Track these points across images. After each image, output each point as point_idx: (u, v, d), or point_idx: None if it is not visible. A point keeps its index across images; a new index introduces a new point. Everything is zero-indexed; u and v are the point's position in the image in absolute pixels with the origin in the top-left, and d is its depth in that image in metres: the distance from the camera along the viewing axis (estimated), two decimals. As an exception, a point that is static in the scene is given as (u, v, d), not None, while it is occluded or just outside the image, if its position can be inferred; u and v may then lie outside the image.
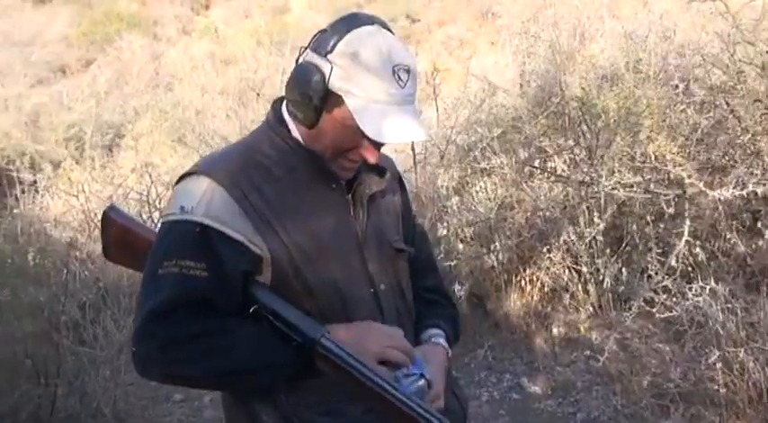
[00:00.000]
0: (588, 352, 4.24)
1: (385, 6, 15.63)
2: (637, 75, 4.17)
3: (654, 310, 3.69)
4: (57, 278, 4.14)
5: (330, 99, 1.32)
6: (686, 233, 3.33)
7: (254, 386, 1.39)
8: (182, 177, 1.39)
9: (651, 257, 3.96)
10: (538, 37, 5.49)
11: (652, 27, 4.74)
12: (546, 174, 4.19)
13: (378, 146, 1.38)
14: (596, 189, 3.62)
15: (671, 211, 3.46)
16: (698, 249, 3.55)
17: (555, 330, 4.51)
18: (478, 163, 4.71)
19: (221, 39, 15.21)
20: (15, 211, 5.51)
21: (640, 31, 4.64)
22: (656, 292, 3.84)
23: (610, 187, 3.53)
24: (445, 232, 4.66)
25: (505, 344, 4.50)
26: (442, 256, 4.56)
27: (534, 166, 4.27)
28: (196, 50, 15.16)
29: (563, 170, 4.30)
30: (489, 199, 4.64)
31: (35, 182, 7.07)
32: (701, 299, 3.25)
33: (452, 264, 4.56)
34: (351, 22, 1.34)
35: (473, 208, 4.64)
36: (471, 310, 4.67)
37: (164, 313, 1.29)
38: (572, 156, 4.27)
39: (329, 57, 1.31)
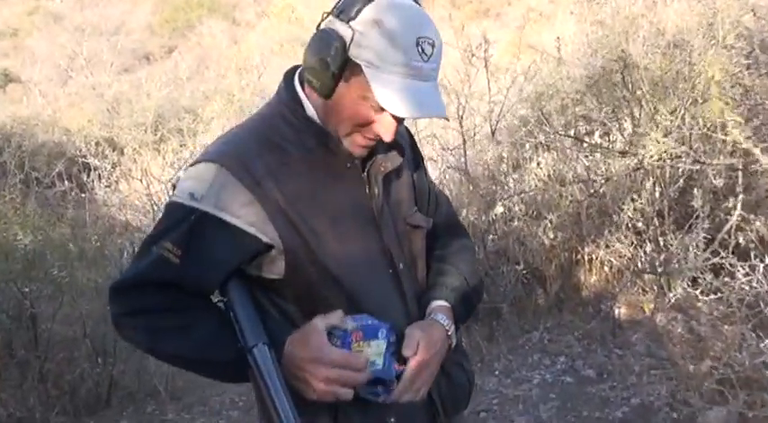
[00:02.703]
0: (650, 334, 4.09)
1: (462, -21, 15.42)
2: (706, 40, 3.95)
3: (720, 289, 3.51)
4: (115, 260, 4.31)
5: (349, 68, 1.28)
6: (739, 207, 3.13)
7: (200, 374, 1.41)
8: (193, 163, 1.39)
9: (727, 234, 3.78)
10: (603, 2, 5.28)
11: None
12: (583, 144, 4.02)
13: (396, 121, 1.34)
14: (639, 159, 3.44)
15: (720, 182, 3.26)
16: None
17: (617, 311, 4.37)
18: (535, 137, 4.58)
19: (297, 19, 15.43)
20: (83, 194, 5.78)
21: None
22: (720, 269, 3.65)
23: (655, 158, 3.35)
24: (501, 210, 4.57)
25: (563, 325, 4.39)
26: (495, 236, 4.48)
27: (575, 137, 4.11)
28: (275, 33, 15.42)
29: (607, 142, 4.13)
30: (546, 175, 4.50)
31: (113, 166, 7.39)
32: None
33: (508, 243, 4.48)
34: None
35: (529, 184, 4.51)
36: (527, 291, 4.58)
37: (133, 285, 1.36)
38: (618, 127, 4.10)
39: (351, 23, 1.26)
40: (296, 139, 1.37)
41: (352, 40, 1.26)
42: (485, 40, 4.30)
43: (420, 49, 1.26)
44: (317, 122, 1.38)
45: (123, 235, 4.90)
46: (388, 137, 1.34)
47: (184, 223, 1.31)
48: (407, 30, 1.26)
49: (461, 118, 4.32)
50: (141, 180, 5.59)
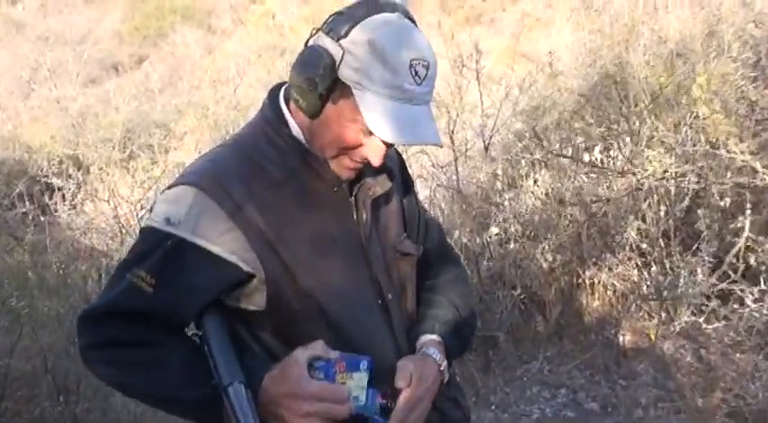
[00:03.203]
0: (657, 363, 4.09)
1: (453, -18, 15.54)
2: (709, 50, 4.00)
3: (729, 316, 3.54)
4: (79, 288, 4.27)
5: (337, 88, 1.29)
6: (747, 227, 3.15)
7: (172, 413, 1.40)
8: (170, 186, 1.39)
9: (735, 256, 3.81)
10: (602, 10, 5.34)
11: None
12: (579, 164, 4.05)
13: (385, 145, 1.34)
14: (638, 179, 3.47)
15: (727, 201, 3.29)
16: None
17: (621, 339, 4.37)
18: (531, 153, 4.60)
19: (276, 26, 15.47)
20: (45, 217, 5.73)
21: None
22: (729, 294, 3.67)
23: (655, 177, 3.37)
24: (496, 231, 4.58)
25: (564, 355, 4.38)
26: (490, 260, 4.48)
27: (571, 157, 4.14)
28: (253, 42, 15.45)
29: (608, 158, 4.16)
30: (543, 194, 4.52)
31: (77, 187, 7.35)
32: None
33: (504, 266, 4.48)
34: (371, 6, 1.31)
35: (525, 204, 4.52)
36: (525, 317, 4.57)
37: (103, 315, 1.36)
38: (618, 143, 4.13)
39: (342, 42, 1.27)
40: (280, 160, 1.38)
41: (341, 59, 1.27)
42: (476, 50, 4.33)
43: (413, 72, 1.27)
44: (303, 143, 1.39)
45: (88, 261, 4.85)
46: (376, 161, 1.35)
47: (159, 250, 1.31)
48: (401, 51, 1.27)
49: (452, 133, 4.34)
50: (108, 201, 5.56)
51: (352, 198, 1.44)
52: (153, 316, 1.32)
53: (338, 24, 1.29)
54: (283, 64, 11.78)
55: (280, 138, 1.39)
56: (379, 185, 1.47)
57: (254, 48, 13.89)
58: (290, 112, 1.40)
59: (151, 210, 1.40)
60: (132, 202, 5.83)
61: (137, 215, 5.55)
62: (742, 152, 3.04)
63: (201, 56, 15.20)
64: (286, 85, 1.44)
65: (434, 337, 1.51)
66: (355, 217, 1.44)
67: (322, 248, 1.37)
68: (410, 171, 1.72)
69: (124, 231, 5.32)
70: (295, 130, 1.39)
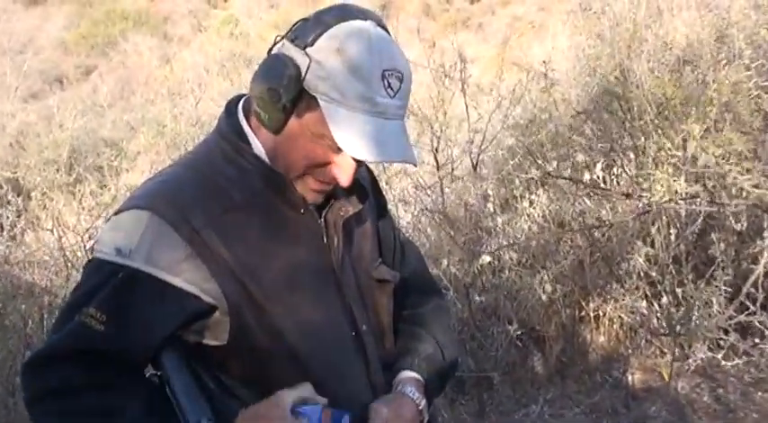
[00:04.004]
0: (670, 405, 4.10)
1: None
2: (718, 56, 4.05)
3: (751, 351, 3.56)
4: (18, 330, 4.21)
5: (303, 100, 1.30)
6: (766, 253, 3.18)
7: None
8: (119, 211, 1.39)
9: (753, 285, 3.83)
10: (601, 13, 5.40)
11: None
12: (579, 184, 4.08)
13: (354, 164, 1.36)
14: (646, 201, 3.50)
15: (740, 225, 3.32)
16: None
17: (630, 378, 4.38)
18: (526, 171, 4.62)
19: (241, 34, 15.55)
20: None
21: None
22: (748, 327, 3.69)
23: (664, 199, 3.41)
24: (488, 259, 4.58)
25: (566, 397, 4.39)
26: (483, 290, 4.48)
27: (570, 178, 4.17)
28: (215, 50, 15.50)
29: (611, 176, 4.19)
30: (541, 216, 4.54)
31: (17, 214, 7.28)
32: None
33: (497, 298, 4.48)
34: (339, 14, 1.32)
35: (520, 228, 4.54)
36: (523, 356, 4.57)
37: (50, 360, 1.34)
38: (621, 161, 4.17)
39: (308, 50, 1.29)
40: (241, 181, 1.38)
41: (308, 68, 1.28)
42: (460, 59, 4.36)
43: (386, 84, 1.29)
44: (266, 161, 1.40)
45: (29, 299, 4.78)
46: (345, 181, 1.37)
47: (109, 284, 1.31)
48: (372, 60, 1.28)
49: (436, 150, 4.36)
50: (52, 231, 5.49)
51: (322, 220, 1.45)
52: (106, 357, 1.32)
53: (304, 32, 1.31)
54: (250, 75, 11.81)
55: (240, 156, 1.40)
56: (351, 205, 1.49)
57: (217, 57, 13.91)
58: (250, 127, 1.42)
59: (98, 240, 1.39)
60: (79, 231, 5.76)
61: (84, 246, 5.48)
62: (758, 170, 3.07)
63: (157, 66, 15.24)
64: (245, 98, 1.46)
65: (413, 374, 1.55)
66: (326, 241, 1.45)
67: (291, 278, 1.38)
68: (390, 194, 1.76)
69: (70, 265, 5.25)
70: (257, 147, 1.41)
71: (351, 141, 1.27)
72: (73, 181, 8.63)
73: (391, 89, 1.30)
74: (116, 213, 1.38)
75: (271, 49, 1.36)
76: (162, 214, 1.32)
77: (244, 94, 1.48)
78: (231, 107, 1.47)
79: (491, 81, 5.82)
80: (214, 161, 1.41)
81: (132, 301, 1.31)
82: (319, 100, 1.28)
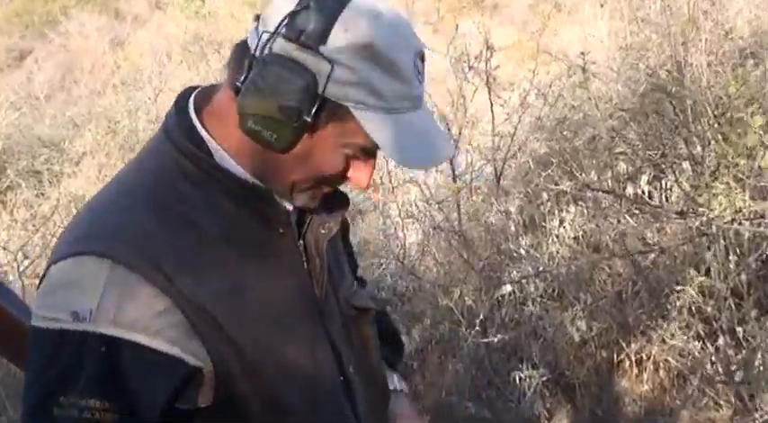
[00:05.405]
0: (729, 469, 4.11)
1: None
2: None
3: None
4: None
5: (323, 112, 1.28)
6: None
7: None
8: (59, 259, 1.29)
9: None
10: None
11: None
12: (621, 200, 4.10)
13: (373, 164, 1.39)
14: (704, 221, 3.51)
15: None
16: None
17: (680, 435, 4.40)
18: (556, 184, 4.64)
19: (209, 13, 15.57)
20: None
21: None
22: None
23: (724, 218, 3.42)
24: (509, 289, 4.60)
25: (603, 455, 4.40)
26: (503, 326, 4.50)
27: (613, 192, 4.19)
28: (177, 32, 15.49)
29: (659, 191, 4.21)
30: (573, 238, 4.55)
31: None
32: None
33: (519, 337, 4.49)
34: None
35: (549, 252, 4.55)
36: (550, 406, 4.58)
37: None
38: (674, 171, 4.19)
39: (324, 51, 1.25)
40: (206, 203, 1.35)
41: (330, 74, 1.25)
42: (486, 47, 4.37)
43: (417, 71, 1.31)
44: (235, 173, 1.36)
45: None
46: (367, 182, 1.39)
47: (95, 363, 1.23)
48: (403, 51, 1.29)
49: (452, 157, 4.37)
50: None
51: (301, 241, 1.45)
52: None
53: (306, 24, 1.26)
54: (220, 61, 11.76)
55: (201, 172, 1.35)
56: (333, 219, 1.49)
57: (180, 39, 13.91)
58: (205, 129, 1.38)
59: (42, 303, 1.29)
60: (12, 249, 5.76)
61: (18, 268, 5.47)
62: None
63: (105, 51, 15.22)
64: (197, 91, 1.43)
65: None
66: (306, 266, 1.45)
67: (272, 315, 1.37)
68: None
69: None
70: (220, 156, 1.37)
71: (405, 150, 1.29)
72: (3, 188, 8.63)
73: (421, 75, 1.32)
74: (56, 261, 1.29)
75: (256, 50, 1.29)
76: (125, 261, 1.24)
77: (194, 88, 1.45)
78: (180, 108, 1.41)
79: (512, 72, 5.85)
80: (170, 180, 1.35)
81: (126, 373, 1.24)
82: (353, 110, 1.27)
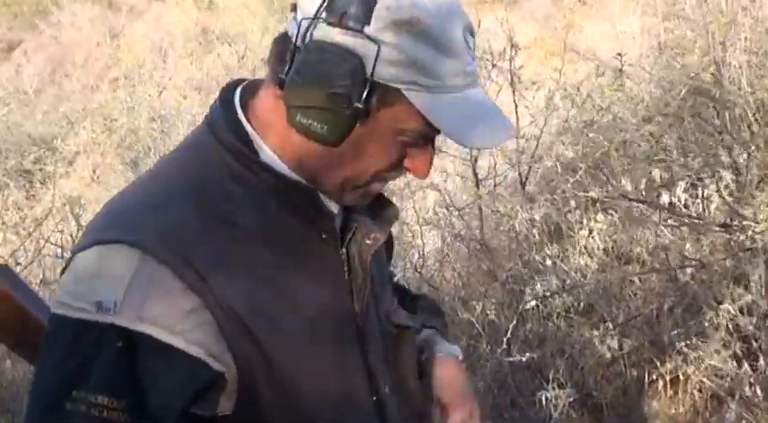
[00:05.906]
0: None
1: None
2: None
3: None
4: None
5: (373, 97, 1.28)
6: None
7: None
8: (86, 246, 1.31)
9: None
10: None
11: None
12: (656, 209, 4.10)
13: (432, 152, 1.41)
14: (748, 234, 3.51)
15: None
16: None
17: (718, 461, 4.40)
18: (585, 190, 4.64)
19: (212, 3, 15.55)
20: None
21: None
22: None
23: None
24: (534, 303, 4.60)
25: (635, 482, 4.40)
26: (527, 342, 4.49)
27: (648, 202, 4.18)
28: (178, 23, 15.47)
29: (696, 200, 4.21)
30: (602, 250, 4.54)
31: None
32: None
33: (544, 354, 4.49)
34: None
35: (576, 264, 4.55)
36: (578, 426, 4.58)
37: None
38: (714, 180, 4.19)
39: (368, 31, 1.25)
40: (250, 202, 1.36)
41: (378, 55, 1.25)
42: (511, 45, 4.38)
43: (468, 46, 1.31)
44: (282, 172, 1.37)
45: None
46: (427, 172, 1.40)
47: (111, 359, 1.24)
48: (452, 24, 1.29)
49: (475, 161, 4.37)
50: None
51: (343, 250, 1.45)
52: None
53: (347, 5, 1.26)
54: (228, 55, 11.75)
55: (248, 170, 1.36)
56: (379, 229, 1.49)
57: (181, 30, 13.93)
58: (251, 125, 1.39)
59: (65, 289, 1.31)
60: (1, 254, 5.77)
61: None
62: None
63: (101, 43, 15.22)
64: (243, 86, 1.45)
65: (430, 331, 1.75)
66: (347, 277, 1.45)
67: (306, 327, 1.37)
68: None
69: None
70: (267, 154, 1.37)
71: (462, 129, 1.30)
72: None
73: (471, 49, 1.32)
74: (83, 249, 1.30)
75: (296, 37, 1.30)
76: (156, 253, 1.25)
77: (240, 81, 1.47)
78: (226, 101, 1.43)
79: (535, 70, 5.84)
80: (212, 176, 1.37)
81: (143, 370, 1.25)
82: (405, 92, 1.28)
